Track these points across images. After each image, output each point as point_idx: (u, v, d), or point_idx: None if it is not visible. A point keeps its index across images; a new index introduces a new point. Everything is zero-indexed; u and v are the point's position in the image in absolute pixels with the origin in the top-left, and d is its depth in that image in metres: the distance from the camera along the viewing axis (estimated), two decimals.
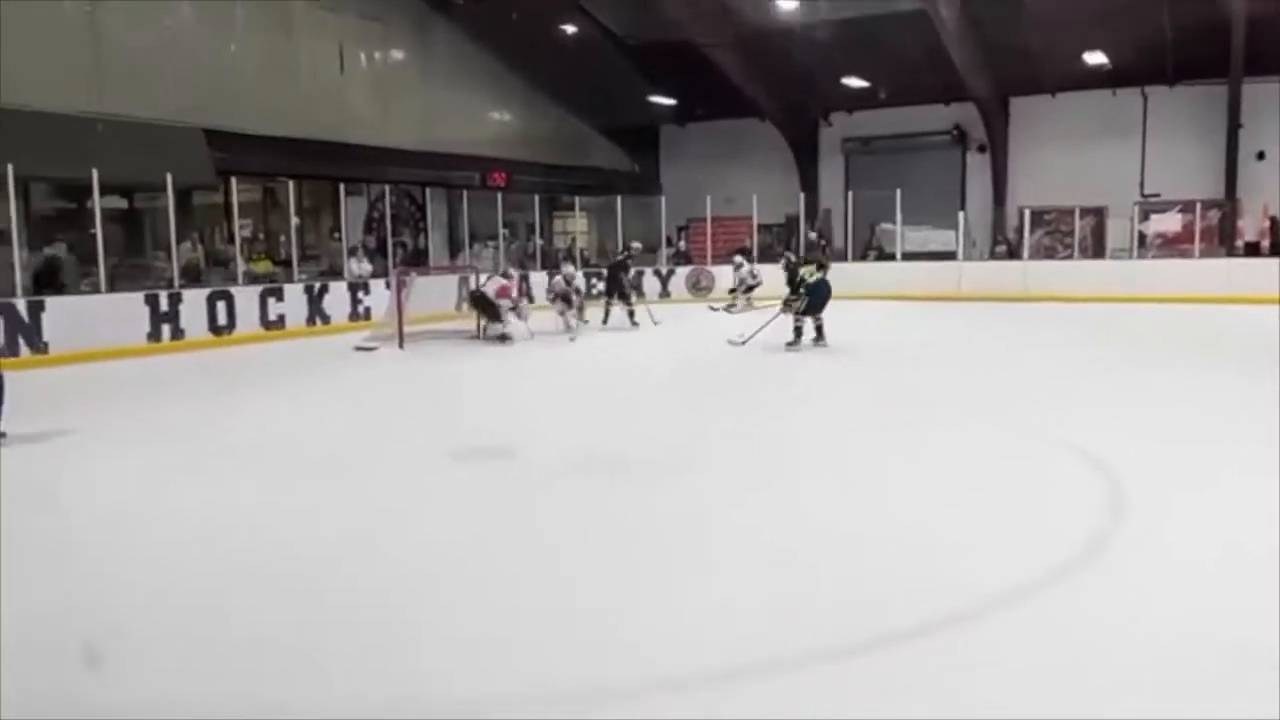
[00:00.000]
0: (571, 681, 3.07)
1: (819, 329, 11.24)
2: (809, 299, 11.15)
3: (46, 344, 10.87)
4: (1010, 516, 4.63)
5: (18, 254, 11.51)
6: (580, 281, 14.84)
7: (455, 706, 2.94)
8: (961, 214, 18.70)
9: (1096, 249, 18.97)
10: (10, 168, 11.07)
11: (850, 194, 19.84)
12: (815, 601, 3.62)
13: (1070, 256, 18.65)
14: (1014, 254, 19.18)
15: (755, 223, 19.67)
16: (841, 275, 18.82)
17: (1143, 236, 18.40)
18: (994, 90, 20.15)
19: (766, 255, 18.13)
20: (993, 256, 19.76)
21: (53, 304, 11.16)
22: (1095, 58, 18.07)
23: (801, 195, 21.30)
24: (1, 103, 11.93)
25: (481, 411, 8.06)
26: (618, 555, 4.25)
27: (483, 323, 12.96)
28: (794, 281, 11.58)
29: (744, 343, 11.39)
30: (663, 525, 4.64)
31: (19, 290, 11.07)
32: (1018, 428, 6.65)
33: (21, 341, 10.69)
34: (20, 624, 3.48)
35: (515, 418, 7.63)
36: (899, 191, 18.30)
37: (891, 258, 19.04)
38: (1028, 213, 18.77)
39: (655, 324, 14.11)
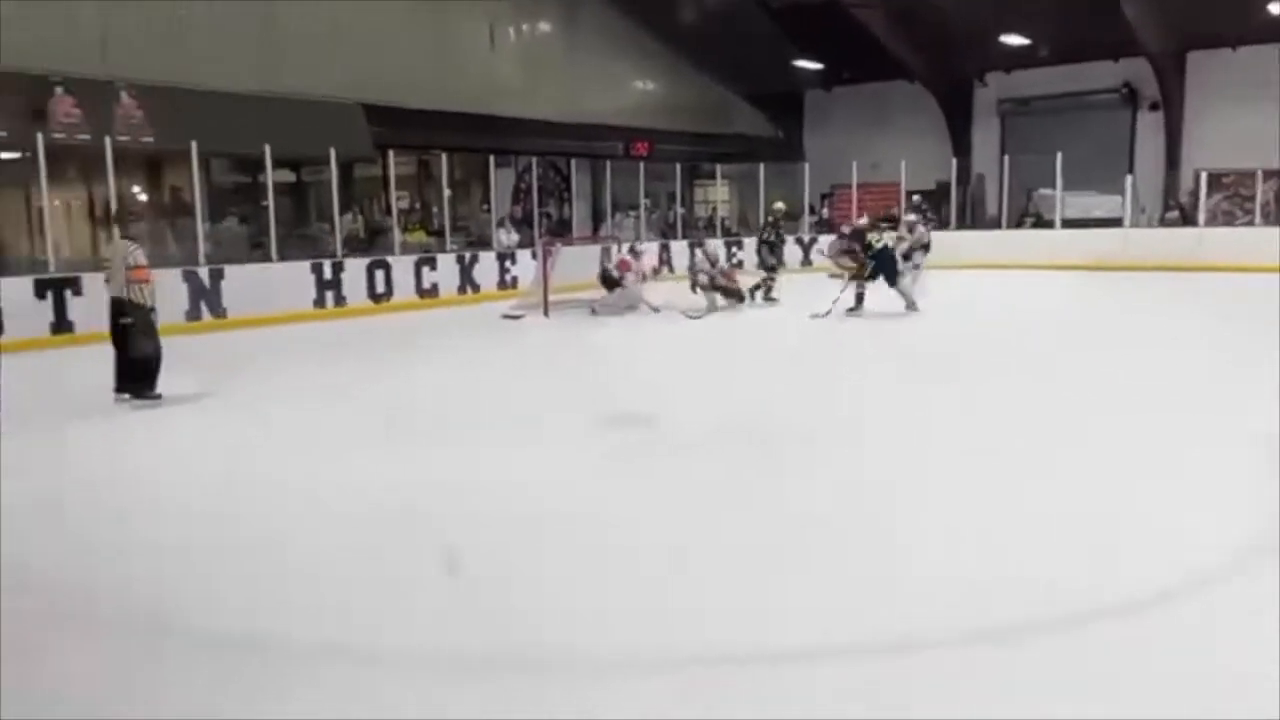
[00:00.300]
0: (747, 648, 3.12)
1: (859, 296, 11.62)
2: (874, 264, 11.49)
3: (225, 309, 11.70)
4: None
5: (200, 225, 12.41)
6: (723, 257, 14.58)
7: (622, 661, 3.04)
8: (1130, 178, 17.58)
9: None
10: (194, 145, 11.92)
11: (1006, 158, 18.94)
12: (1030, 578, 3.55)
13: (1251, 223, 17.27)
14: (1188, 220, 17.91)
15: (904, 189, 19.07)
16: (991, 241, 18.18)
17: None
18: (1169, 44, 18.75)
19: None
20: (1163, 223, 18.50)
21: (231, 272, 11.98)
22: None
23: (953, 160, 20.49)
24: (187, 84, 12.87)
25: (625, 380, 8.20)
26: (790, 528, 4.27)
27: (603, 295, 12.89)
28: (866, 247, 11.77)
29: (827, 314, 11.39)
30: (845, 496, 4.64)
31: (201, 259, 11.95)
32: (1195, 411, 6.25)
33: (204, 306, 11.55)
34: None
35: (659, 386, 7.73)
36: (1059, 155, 17.35)
37: (1050, 225, 18.11)
38: (1204, 175, 17.47)
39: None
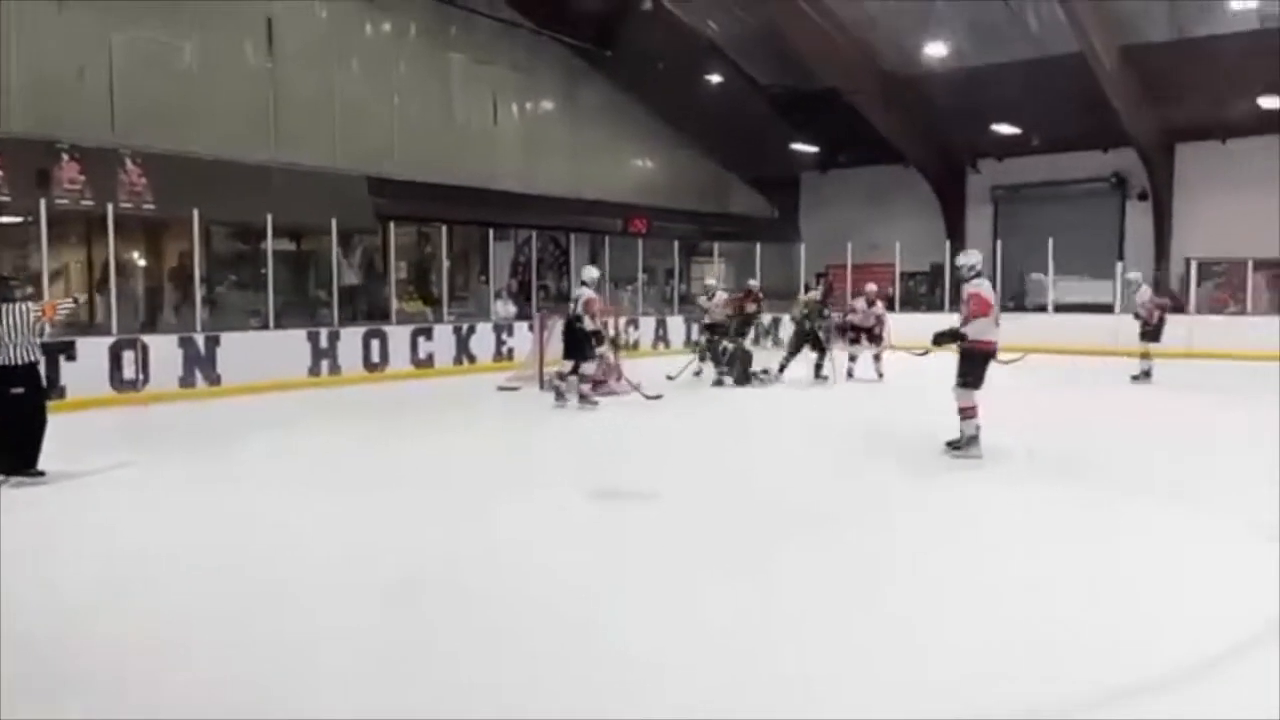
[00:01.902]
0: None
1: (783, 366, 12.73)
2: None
3: (220, 376, 11.66)
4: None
5: (199, 291, 12.45)
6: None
7: None
8: (1120, 264, 17.80)
9: (1273, 304, 17.70)
10: (196, 212, 12.03)
11: (999, 243, 19.24)
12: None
13: (1243, 312, 17.45)
14: (1179, 308, 18.07)
15: (898, 269, 19.29)
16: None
17: None
18: (1158, 136, 19.21)
19: (908, 303, 17.79)
20: None
21: (227, 339, 11.97)
22: (1271, 102, 17.01)
23: (947, 243, 20.77)
24: (193, 152, 13.10)
25: (617, 454, 8.13)
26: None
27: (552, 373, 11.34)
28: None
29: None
30: (838, 574, 4.56)
31: (199, 325, 11.96)
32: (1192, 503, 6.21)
33: (198, 373, 11.51)
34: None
35: (651, 461, 7.66)
36: (1051, 240, 17.62)
37: (1041, 309, 18.29)
38: (1194, 264, 17.70)
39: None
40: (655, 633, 3.85)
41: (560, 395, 10.62)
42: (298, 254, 16.20)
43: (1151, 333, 12.83)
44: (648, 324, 18.05)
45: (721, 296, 14.17)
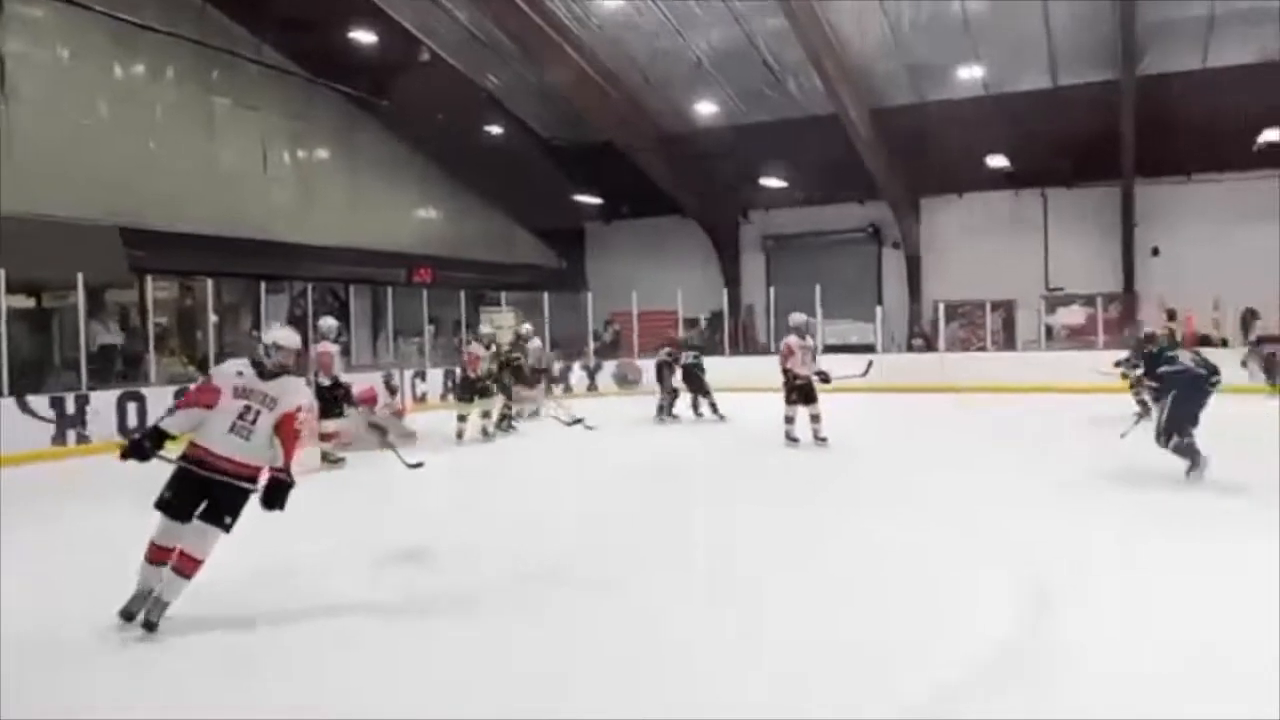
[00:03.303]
0: None
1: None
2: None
3: None
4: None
5: None
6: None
7: None
8: (879, 308, 19.27)
9: (1008, 340, 19.70)
10: None
11: (772, 289, 20.35)
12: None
13: (984, 348, 19.29)
14: (930, 346, 19.78)
15: (680, 316, 19.96)
16: (764, 367, 19.19)
17: (1049, 329, 19.21)
18: (905, 191, 21.08)
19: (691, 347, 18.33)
20: (910, 349, 20.34)
21: None
22: (998, 161, 19.11)
23: (725, 290, 21.79)
24: None
25: (405, 516, 7.84)
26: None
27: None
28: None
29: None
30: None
31: None
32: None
33: None
34: None
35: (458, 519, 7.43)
36: (818, 287, 18.82)
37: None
38: (942, 306, 19.46)
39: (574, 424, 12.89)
40: None
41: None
42: (38, 310, 14.69)
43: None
44: (435, 375, 17.66)
45: (536, 344, 14.16)
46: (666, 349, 14.24)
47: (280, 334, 5.08)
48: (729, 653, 4.20)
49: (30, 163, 13.63)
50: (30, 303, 14.44)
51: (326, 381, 10.15)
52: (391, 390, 13.62)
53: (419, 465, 7.34)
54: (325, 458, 10.06)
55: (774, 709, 3.61)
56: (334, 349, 10.41)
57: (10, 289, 11.90)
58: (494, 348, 12.58)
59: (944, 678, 3.80)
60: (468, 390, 12.16)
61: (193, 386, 5.58)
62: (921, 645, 4.18)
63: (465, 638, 4.50)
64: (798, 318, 11.03)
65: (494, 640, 4.46)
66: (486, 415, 12.16)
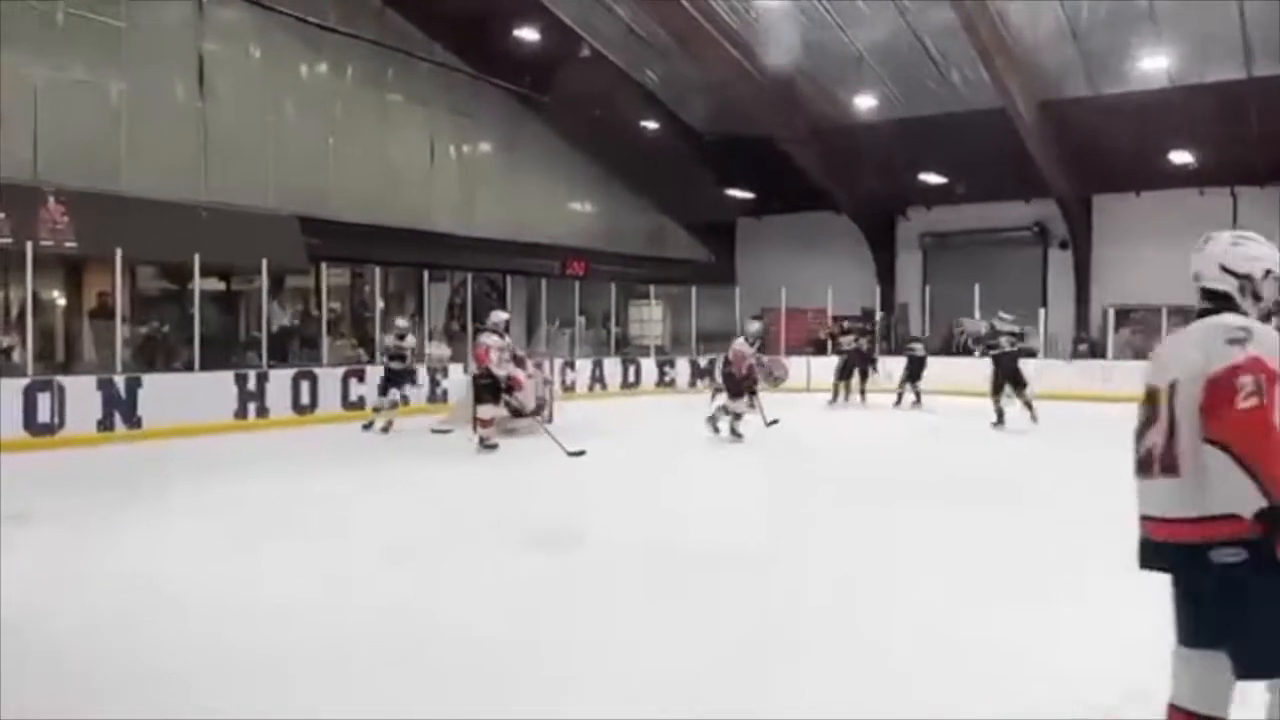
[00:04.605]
0: None
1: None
2: None
3: (140, 419, 11.35)
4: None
5: (120, 331, 12.15)
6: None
7: None
8: (1042, 311, 18.37)
9: None
10: (119, 252, 11.78)
11: (928, 288, 19.74)
12: None
13: None
14: (1096, 353, 18.70)
15: (830, 314, 19.65)
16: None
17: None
18: (1076, 188, 19.97)
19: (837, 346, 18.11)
20: (1074, 355, 19.30)
21: (149, 381, 11.67)
22: (1181, 157, 17.85)
23: (877, 288, 21.27)
24: (118, 191, 12.85)
25: (550, 498, 8.09)
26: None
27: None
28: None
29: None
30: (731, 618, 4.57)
31: (119, 366, 11.65)
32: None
33: (118, 417, 11.19)
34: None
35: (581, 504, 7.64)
36: (977, 287, 18.12)
37: (970, 353, 18.75)
38: (1112, 311, 18.34)
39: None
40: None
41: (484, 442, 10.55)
42: (226, 294, 15.93)
43: (734, 387, 11.70)
44: (584, 366, 18.09)
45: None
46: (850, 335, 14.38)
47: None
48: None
49: (223, 157, 14.79)
50: (221, 286, 15.68)
51: (477, 370, 10.59)
52: (519, 361, 12.18)
53: (580, 453, 7.39)
54: (483, 443, 10.49)
55: None
56: (491, 341, 10.71)
57: (204, 273, 12.97)
58: (508, 338, 11.45)
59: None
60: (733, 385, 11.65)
61: None
62: None
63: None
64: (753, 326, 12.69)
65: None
66: (738, 416, 11.58)
